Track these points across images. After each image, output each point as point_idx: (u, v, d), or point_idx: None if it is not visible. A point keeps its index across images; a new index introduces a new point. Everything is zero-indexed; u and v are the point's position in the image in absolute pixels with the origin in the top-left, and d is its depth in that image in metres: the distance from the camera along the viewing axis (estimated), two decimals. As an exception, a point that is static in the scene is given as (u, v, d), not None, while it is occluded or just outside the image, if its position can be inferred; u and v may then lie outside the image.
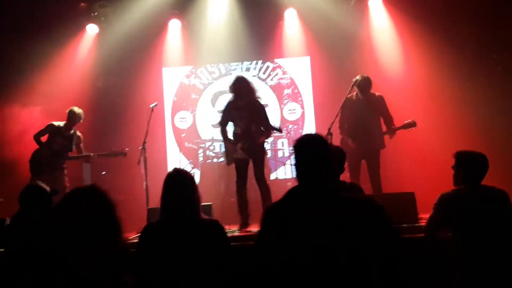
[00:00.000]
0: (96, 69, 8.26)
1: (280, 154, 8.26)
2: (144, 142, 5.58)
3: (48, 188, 3.43)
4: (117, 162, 7.25)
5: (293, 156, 2.23)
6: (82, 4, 7.83)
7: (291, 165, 7.58)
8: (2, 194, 6.43)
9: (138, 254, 2.67)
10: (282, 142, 8.32)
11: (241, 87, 5.27)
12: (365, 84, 5.68)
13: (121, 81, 8.38)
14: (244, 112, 5.26)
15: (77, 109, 6.28)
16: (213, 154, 7.79)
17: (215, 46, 8.28)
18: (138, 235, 5.10)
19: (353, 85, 5.68)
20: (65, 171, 6.14)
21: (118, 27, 8.00)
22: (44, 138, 6.19)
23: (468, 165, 3.11)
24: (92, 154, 6.29)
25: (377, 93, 5.89)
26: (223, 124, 5.47)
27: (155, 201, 5.92)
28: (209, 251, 2.55)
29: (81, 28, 8.03)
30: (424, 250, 3.57)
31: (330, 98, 7.96)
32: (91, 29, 8.08)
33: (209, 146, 7.80)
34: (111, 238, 2.02)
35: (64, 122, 6.24)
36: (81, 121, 6.29)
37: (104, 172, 7.39)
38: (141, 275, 2.54)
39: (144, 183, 6.82)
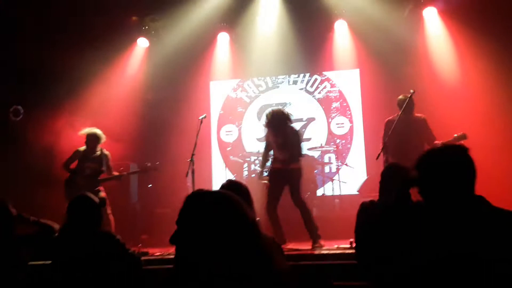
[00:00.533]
0: (145, 82, 8.38)
1: (327, 169, 8.04)
2: (193, 154, 5.52)
3: (97, 200, 3.40)
4: (165, 174, 7.29)
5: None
6: (133, 18, 7.98)
7: (339, 181, 7.34)
8: (52, 206, 6.53)
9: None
10: (330, 157, 8.09)
11: (273, 122, 5.48)
12: (409, 104, 5.45)
13: (169, 94, 8.46)
14: (279, 139, 5.46)
15: (92, 130, 6.16)
16: (259, 168, 7.65)
17: (262, 59, 8.22)
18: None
19: (399, 105, 5.48)
20: (101, 194, 6.03)
21: (168, 40, 8.08)
22: (73, 165, 6.11)
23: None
24: (124, 173, 6.24)
25: (420, 115, 5.73)
26: (266, 149, 5.77)
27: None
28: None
29: (132, 41, 8.18)
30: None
31: (380, 113, 7.67)
32: (142, 43, 8.22)
33: (255, 160, 7.68)
34: None
35: (84, 147, 6.13)
36: (103, 140, 6.16)
37: (150, 185, 7.42)
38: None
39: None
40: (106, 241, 3.28)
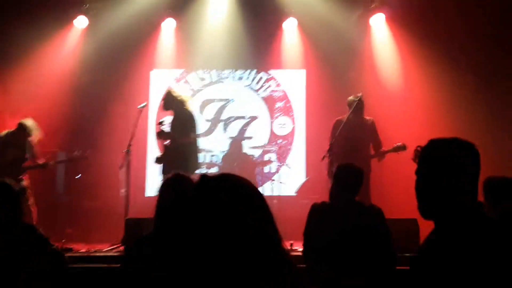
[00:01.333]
0: (81, 65, 7.77)
1: (266, 169, 7.90)
2: (129, 145, 5.14)
3: (16, 187, 2.99)
4: (96, 165, 6.82)
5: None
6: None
7: (279, 181, 7.21)
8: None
9: (125, 269, 2.28)
10: (270, 157, 7.96)
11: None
12: (359, 105, 5.43)
13: (106, 79, 7.90)
14: None
15: (27, 122, 5.72)
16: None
17: (208, 50, 7.92)
18: (113, 247, 4.70)
19: (349, 105, 5.44)
20: (24, 182, 5.54)
21: (109, 22, 7.55)
22: None
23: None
24: (51, 162, 5.77)
25: (368, 117, 5.71)
26: None
27: (134, 211, 5.56)
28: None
29: (69, 19, 7.59)
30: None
31: (323, 115, 7.68)
32: (80, 22, 7.64)
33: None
34: None
35: (12, 130, 5.70)
36: (33, 135, 5.72)
37: (79, 175, 6.90)
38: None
39: (123, 190, 6.39)
40: (25, 234, 2.89)
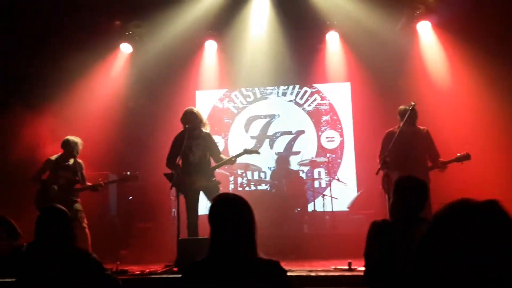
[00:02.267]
0: (128, 90, 7.96)
1: (316, 184, 7.74)
2: (178, 165, 5.12)
3: (67, 212, 3.00)
4: (147, 186, 6.89)
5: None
6: (117, 22, 7.61)
7: (331, 197, 7.01)
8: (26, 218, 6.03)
9: None
10: (319, 171, 7.80)
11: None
12: (411, 115, 5.15)
13: (153, 102, 8.07)
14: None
15: (72, 138, 5.74)
16: (245, 182, 7.32)
17: (251, 69, 7.95)
18: (167, 269, 4.67)
19: (401, 115, 5.18)
20: (76, 205, 5.57)
21: (153, 47, 7.73)
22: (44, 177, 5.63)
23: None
24: (102, 182, 5.80)
25: (422, 127, 5.42)
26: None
27: (186, 230, 5.53)
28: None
29: (115, 47, 7.80)
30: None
31: (371, 127, 7.49)
32: (125, 48, 7.85)
33: (242, 173, 7.33)
34: None
35: (59, 154, 5.72)
36: (79, 151, 5.75)
37: (130, 197, 6.99)
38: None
39: (173, 210, 6.40)
40: (79, 260, 2.88)
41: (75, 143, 5.75)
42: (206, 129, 5.41)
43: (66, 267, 2.80)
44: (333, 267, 4.37)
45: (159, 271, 4.56)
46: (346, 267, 4.23)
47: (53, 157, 5.76)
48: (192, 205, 5.13)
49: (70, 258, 2.83)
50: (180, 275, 2.26)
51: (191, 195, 5.14)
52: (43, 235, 2.83)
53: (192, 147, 5.21)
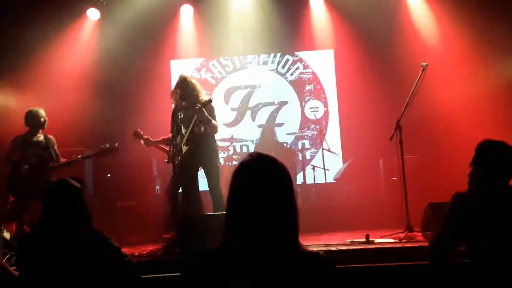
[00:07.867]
0: (96, 59, 7.29)
1: (308, 156, 7.46)
2: (173, 136, 4.69)
3: (78, 184, 2.56)
4: (124, 163, 6.39)
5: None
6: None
7: (324, 168, 6.74)
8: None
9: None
10: (304, 143, 7.53)
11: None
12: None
13: (123, 73, 7.45)
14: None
15: (35, 109, 5.23)
16: (232, 155, 6.95)
17: (229, 36, 7.49)
18: (166, 250, 4.25)
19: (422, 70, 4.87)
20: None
21: (122, 13, 7.11)
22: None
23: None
24: (78, 156, 5.30)
25: None
26: None
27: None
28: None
29: (81, 12, 7.12)
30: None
31: (355, 96, 7.27)
32: (92, 14, 7.18)
33: (227, 146, 6.94)
34: None
35: (26, 131, 5.21)
36: (46, 122, 5.25)
37: (109, 175, 6.45)
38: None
39: (157, 187, 5.99)
40: (95, 245, 2.46)
41: (39, 114, 5.20)
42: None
43: (80, 255, 2.38)
44: (349, 240, 4.12)
45: (158, 253, 4.15)
46: (364, 239, 3.99)
47: (20, 136, 5.20)
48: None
49: (84, 244, 2.41)
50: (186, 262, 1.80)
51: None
52: (52, 217, 2.38)
53: None
